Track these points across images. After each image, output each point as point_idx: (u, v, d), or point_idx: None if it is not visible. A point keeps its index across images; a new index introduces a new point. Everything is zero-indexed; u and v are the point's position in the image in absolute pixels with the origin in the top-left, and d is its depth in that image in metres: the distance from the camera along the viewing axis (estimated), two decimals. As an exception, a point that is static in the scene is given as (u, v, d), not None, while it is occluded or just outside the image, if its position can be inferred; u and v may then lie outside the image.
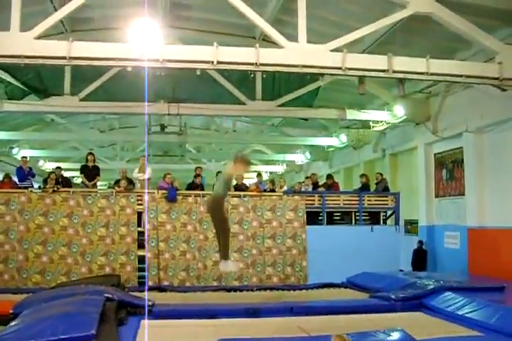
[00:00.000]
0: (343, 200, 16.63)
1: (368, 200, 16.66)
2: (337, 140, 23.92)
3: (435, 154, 18.68)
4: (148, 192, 14.94)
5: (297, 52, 11.41)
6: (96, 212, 14.63)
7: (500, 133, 15.02)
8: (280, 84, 17.55)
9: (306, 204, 15.95)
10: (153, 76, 13.52)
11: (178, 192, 15.34)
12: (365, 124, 20.93)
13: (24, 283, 13.84)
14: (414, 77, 12.45)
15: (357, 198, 16.57)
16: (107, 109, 17.53)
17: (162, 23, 13.78)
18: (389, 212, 17.13)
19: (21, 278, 13.93)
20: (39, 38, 10.76)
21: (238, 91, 16.99)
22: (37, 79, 16.42)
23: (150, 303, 9.69)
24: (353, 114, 18.78)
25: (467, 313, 9.34)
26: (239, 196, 15.59)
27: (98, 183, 17.11)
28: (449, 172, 17.78)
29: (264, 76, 16.02)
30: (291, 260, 15.39)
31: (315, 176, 19.03)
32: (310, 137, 26.10)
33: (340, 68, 11.63)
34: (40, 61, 10.97)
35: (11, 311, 8.85)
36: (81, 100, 16.59)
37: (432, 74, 12.11)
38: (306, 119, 20.46)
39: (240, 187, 16.52)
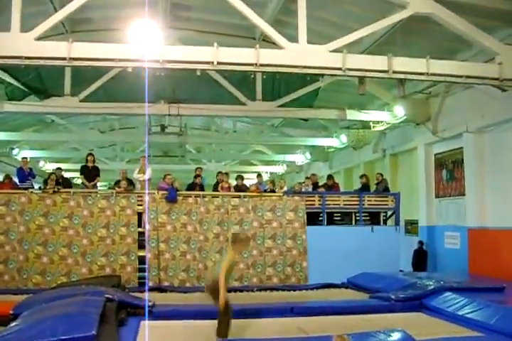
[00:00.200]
0: (343, 201, 16.60)
1: (368, 201, 16.64)
2: (337, 140, 23.96)
3: (435, 154, 18.69)
4: (148, 193, 14.94)
5: (297, 53, 11.43)
6: (96, 212, 14.62)
7: (500, 134, 15.02)
8: (280, 84, 17.58)
9: (307, 204, 15.93)
10: (153, 77, 13.51)
11: (178, 192, 15.33)
12: (365, 125, 20.96)
13: (24, 284, 13.83)
14: (415, 78, 12.47)
15: (357, 198, 16.54)
16: (107, 109, 17.55)
17: (162, 24, 13.79)
18: (389, 213, 17.12)
19: (22, 278, 13.92)
20: (39, 38, 10.79)
21: (238, 91, 17.02)
22: (37, 80, 16.45)
23: (150, 304, 9.71)
24: (353, 115, 18.79)
25: (467, 313, 9.37)
26: (239, 196, 15.58)
27: (98, 184, 17.08)
28: (449, 172, 17.78)
29: (264, 76, 16.03)
30: (292, 260, 15.37)
31: (315, 177, 19.01)
32: (310, 137, 26.12)
33: (340, 69, 11.65)
34: (41, 62, 10.99)
35: (11, 312, 8.86)
36: (81, 101, 16.62)
37: (432, 74, 12.13)
38: (306, 120, 20.48)
39: (241, 188, 16.53)
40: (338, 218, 17.06)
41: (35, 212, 14.31)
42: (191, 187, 16.21)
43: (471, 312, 9.36)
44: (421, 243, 18.20)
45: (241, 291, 13.28)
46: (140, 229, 14.70)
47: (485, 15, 13.05)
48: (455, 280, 11.90)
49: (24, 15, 10.77)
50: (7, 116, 21.28)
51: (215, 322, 8.43)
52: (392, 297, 10.80)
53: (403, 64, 12.00)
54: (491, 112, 14.89)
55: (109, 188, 18.36)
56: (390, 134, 21.89)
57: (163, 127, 23.14)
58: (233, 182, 17.38)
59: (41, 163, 29.21)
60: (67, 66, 13.01)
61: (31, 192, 14.75)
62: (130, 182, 15.54)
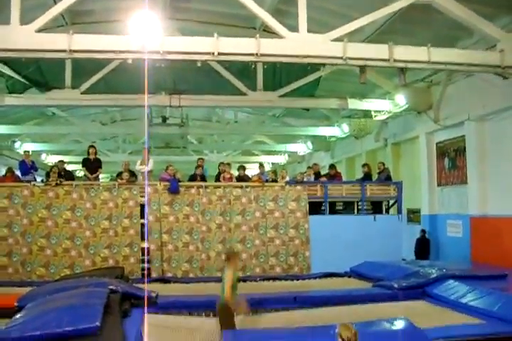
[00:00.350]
0: (346, 190, 16.60)
1: (371, 190, 16.65)
2: (339, 130, 23.91)
3: (437, 143, 18.66)
4: (150, 184, 14.95)
5: (298, 42, 11.39)
6: (99, 204, 14.65)
7: (502, 122, 14.99)
8: (281, 74, 17.54)
9: (309, 194, 15.94)
10: (153, 68, 13.49)
11: (180, 183, 15.35)
12: (366, 114, 20.91)
13: (28, 277, 13.89)
14: (416, 66, 12.45)
15: (359, 188, 16.56)
16: (108, 101, 17.51)
17: (162, 15, 13.74)
18: (391, 202, 17.12)
19: (25, 271, 13.98)
20: (39, 31, 10.76)
21: (239, 82, 16.98)
22: (38, 73, 16.43)
23: (154, 295, 9.74)
24: (354, 104, 18.75)
25: (470, 301, 9.41)
26: (241, 187, 15.60)
27: (100, 176, 17.09)
28: (451, 160, 17.77)
29: (265, 66, 16.01)
30: (294, 250, 15.41)
31: (317, 166, 18.99)
32: (312, 127, 26.05)
33: (341, 58, 11.61)
34: (41, 54, 10.99)
35: (15, 304, 8.90)
36: (82, 93, 16.60)
37: (433, 62, 12.09)
38: (307, 109, 20.46)
39: (243, 178, 16.54)
40: (341, 207, 17.08)
41: (38, 205, 14.34)
42: (193, 178, 16.21)
43: (474, 299, 9.40)
44: (423, 231, 18.20)
45: (244, 281, 13.25)
46: (143, 221, 14.73)
47: (486, 2, 12.98)
48: (457, 268, 11.95)
49: (24, 7, 10.73)
50: (8, 109, 21.29)
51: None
52: (395, 285, 10.84)
53: (404, 52, 11.96)
54: (493, 100, 14.86)
55: (112, 180, 18.36)
56: (392, 123, 21.84)
57: (164, 118, 23.11)
58: (235, 173, 17.39)
59: (43, 156, 29.21)
60: (68, 58, 12.97)
61: (34, 185, 14.77)
62: (132, 174, 15.56)
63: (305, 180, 17.03)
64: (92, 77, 16.34)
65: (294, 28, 11.43)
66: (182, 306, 9.58)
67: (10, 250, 14.01)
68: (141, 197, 14.87)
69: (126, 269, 13.71)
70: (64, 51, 10.75)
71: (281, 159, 33.94)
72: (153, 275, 14.29)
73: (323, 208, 16.32)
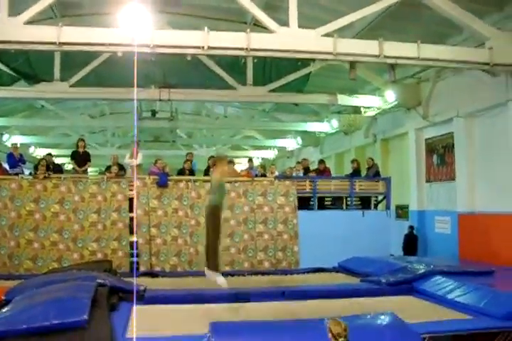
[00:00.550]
0: (334, 185, 16.65)
1: (359, 185, 16.70)
2: (328, 125, 23.96)
3: (426, 139, 18.72)
4: (139, 178, 14.92)
5: (288, 37, 11.39)
6: (87, 198, 14.61)
7: (490, 119, 15.05)
8: (271, 69, 17.49)
9: (298, 189, 15.96)
10: (143, 61, 13.45)
11: (169, 177, 15.33)
12: (356, 110, 20.94)
13: (16, 270, 13.84)
14: (405, 62, 12.49)
15: (348, 183, 16.59)
16: (98, 94, 17.41)
17: (152, 8, 13.68)
18: (380, 197, 17.18)
19: (13, 264, 13.93)
20: (28, 23, 10.69)
21: (229, 76, 16.93)
22: (26, 65, 16.29)
23: (142, 288, 9.73)
24: (344, 100, 18.74)
25: (457, 297, 9.44)
26: (230, 181, 15.58)
27: (89, 169, 17.05)
28: (440, 157, 17.83)
29: (255, 61, 15.99)
30: (283, 245, 15.44)
31: (306, 161, 19.02)
32: (301, 122, 26.03)
33: (331, 53, 11.62)
34: (30, 46, 10.94)
35: (3, 297, 8.89)
36: (71, 86, 16.48)
37: (422, 59, 12.14)
38: (297, 105, 20.46)
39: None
40: (329, 203, 17.12)
41: (26, 198, 14.29)
42: (182, 172, 16.19)
43: (461, 295, 9.44)
44: (411, 227, 18.27)
45: (232, 275, 13.28)
46: (131, 214, 14.71)
47: (476, 0, 13.03)
48: (445, 264, 12.00)
49: (12, -1, 10.69)
50: (-4, 101, 21.16)
51: (207, 306, 8.48)
52: (383, 281, 10.88)
53: (394, 48, 11.99)
54: (482, 97, 14.91)
55: (100, 174, 18.33)
56: (381, 119, 21.88)
57: (153, 112, 23.08)
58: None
59: (31, 149, 28.98)
60: (57, 51, 12.91)
61: (22, 177, 14.71)
62: (121, 168, 15.52)
63: (294, 175, 17.04)
64: (82, 70, 16.24)
65: (284, 23, 11.43)
66: (170, 300, 9.56)
67: (-3, 243, 13.98)
68: (130, 190, 14.84)
69: (114, 263, 13.72)
70: (53, 43, 10.69)
71: (271, 154, 33.91)
72: (142, 269, 14.27)
73: (311, 203, 16.35)
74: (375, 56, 11.90)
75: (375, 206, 17.13)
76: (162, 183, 15.01)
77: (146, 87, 16.78)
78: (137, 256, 14.43)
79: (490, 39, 12.38)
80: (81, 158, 15.95)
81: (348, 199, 16.65)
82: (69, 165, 21.57)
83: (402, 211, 20.34)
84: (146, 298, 9.41)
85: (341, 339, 5.22)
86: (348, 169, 19.29)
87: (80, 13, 16.39)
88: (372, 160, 18.05)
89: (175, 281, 12.48)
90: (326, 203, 17.02)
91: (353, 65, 12.75)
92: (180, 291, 10.43)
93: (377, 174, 17.44)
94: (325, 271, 13.77)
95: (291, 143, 30.29)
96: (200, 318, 8.00)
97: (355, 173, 17.52)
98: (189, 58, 11.84)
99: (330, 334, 5.28)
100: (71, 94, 17.00)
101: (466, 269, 11.49)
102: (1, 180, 14.45)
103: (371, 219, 16.08)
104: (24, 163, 16.59)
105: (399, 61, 12.27)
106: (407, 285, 10.69)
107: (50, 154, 17.38)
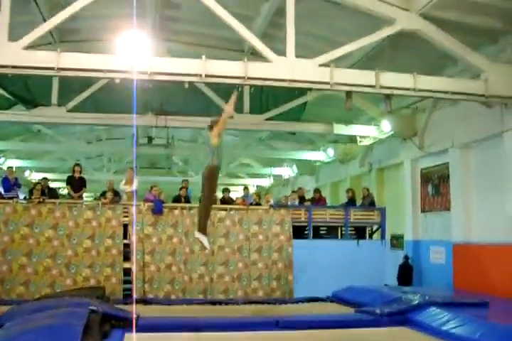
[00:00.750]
0: (330, 214, 16.62)
1: (354, 215, 16.66)
2: (324, 154, 24.06)
3: (421, 169, 18.75)
4: (134, 204, 14.88)
5: (285, 67, 11.49)
6: (82, 223, 14.53)
7: (486, 150, 15.11)
8: (268, 97, 17.60)
9: (293, 218, 15.94)
10: (141, 88, 13.51)
11: (164, 204, 15.30)
12: (352, 139, 21.05)
13: (7, 295, 13.67)
14: (402, 93, 12.57)
15: (343, 212, 16.57)
16: (95, 120, 17.48)
17: (151, 35, 13.82)
18: (375, 227, 17.15)
19: (5, 289, 13.76)
20: (27, 48, 10.77)
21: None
22: (24, 89, 16.36)
23: (135, 316, 9.63)
24: (340, 129, 18.86)
25: (452, 328, 9.37)
26: (225, 209, 15.57)
27: (84, 194, 17.01)
28: (435, 187, 17.85)
29: (252, 90, 16.09)
30: (277, 273, 15.35)
31: (302, 190, 19.04)
32: (297, 151, 26.15)
33: (328, 83, 11.72)
34: (28, 71, 10.98)
35: (-7, 323, 8.76)
36: (68, 111, 16.54)
37: (419, 90, 12.25)
38: (293, 133, 20.56)
39: (227, 201, 16.53)
40: (325, 232, 17.08)
41: (20, 222, 14.19)
42: (177, 199, 16.18)
43: (456, 327, 9.37)
44: (406, 257, 18.20)
45: (226, 304, 13.26)
46: (125, 241, 14.64)
47: (471, 32, 13.18)
48: (440, 295, 11.95)
49: (13, 24, 10.78)
50: (-7, 125, 21.18)
51: (201, 335, 8.39)
52: (377, 311, 10.79)
53: (390, 79, 12.11)
54: (477, 128, 14.98)
55: (95, 199, 18.28)
56: (377, 149, 21.96)
57: (150, 139, 23.16)
58: (219, 195, 17.37)
59: (27, 173, 29.00)
60: (55, 76, 12.98)
61: (16, 202, 14.65)
62: (116, 194, 15.49)
63: (289, 203, 17.05)
64: (79, 95, 16.31)
65: (281, 52, 11.54)
66: (163, 328, 9.47)
67: (-11, 268, 13.85)
68: (125, 217, 14.79)
69: (107, 289, 13.63)
70: (52, 69, 10.77)
71: (266, 182, 33.94)
72: (135, 295, 14.15)
73: (306, 232, 16.30)
74: (372, 86, 12.01)
75: (370, 235, 17.10)
76: (157, 210, 14.97)
77: (143, 114, 16.84)
78: (130, 283, 14.32)
79: (485, 71, 12.51)
80: (77, 184, 15.91)
81: (343, 228, 16.61)
82: (64, 190, 21.51)
83: (397, 241, 20.28)
84: (138, 326, 9.29)
85: None
86: (344, 198, 19.30)
87: (78, 39, 16.52)
88: (368, 189, 18.09)
89: (168, 309, 12.40)
90: (321, 232, 16.99)
91: (349, 94, 12.82)
92: (173, 319, 10.34)
93: (372, 203, 17.46)
94: (319, 300, 13.69)
95: (287, 172, 30.36)
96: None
97: (351, 202, 17.54)
98: (187, 86, 11.91)
99: None
100: (68, 119, 17.05)
101: (461, 300, 11.43)
102: (-4, 204, 14.38)
103: (366, 249, 16.04)
104: (19, 186, 16.56)
105: (395, 92, 12.37)
106: (402, 316, 10.61)
107: (45, 178, 17.34)
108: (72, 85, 16.09)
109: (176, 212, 15.19)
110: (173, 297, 14.52)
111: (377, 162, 22.23)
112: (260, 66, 11.57)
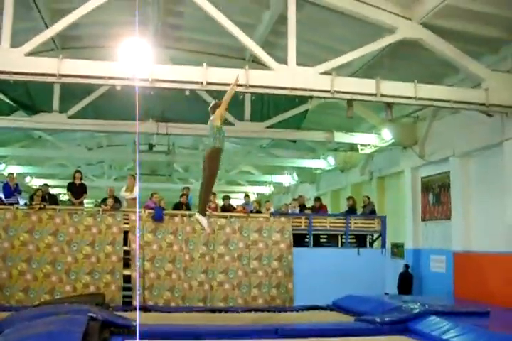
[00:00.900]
0: (330, 223, 16.59)
1: (355, 223, 16.62)
2: (325, 162, 24.06)
3: (422, 178, 18.77)
4: (134, 212, 14.84)
5: (286, 75, 11.54)
6: (82, 230, 14.49)
7: (486, 158, 15.12)
8: (269, 105, 17.64)
9: (293, 226, 15.89)
10: (142, 95, 13.54)
11: (164, 211, 15.29)
12: (352, 147, 21.08)
13: (7, 301, 13.60)
14: (402, 102, 12.60)
15: (344, 221, 16.54)
16: (96, 126, 17.51)
17: (153, 43, 13.86)
18: (375, 235, 17.12)
19: (4, 295, 13.70)
20: (29, 54, 10.81)
21: (227, 112, 17.01)
22: (25, 96, 16.40)
23: (134, 323, 9.60)
24: (340, 137, 18.88)
25: (452, 338, 9.33)
26: (226, 217, 15.55)
27: (85, 201, 17.00)
28: (436, 196, 17.85)
29: (253, 97, 16.12)
30: (277, 282, 15.30)
31: (302, 198, 19.05)
32: (298, 159, 26.19)
33: (328, 91, 11.77)
34: (30, 78, 11.03)
35: (-8, 330, 8.74)
36: (69, 117, 16.58)
37: (419, 98, 12.28)
38: (294, 141, 20.56)
39: (227, 208, 16.52)
40: (325, 240, 17.05)
41: (20, 228, 14.15)
42: (177, 206, 16.17)
43: (456, 336, 9.33)
44: (406, 266, 18.19)
45: (226, 312, 13.21)
46: (125, 248, 14.61)
47: (472, 41, 13.23)
48: (440, 304, 11.90)
49: (15, 31, 10.83)
50: (-6, 130, 21.21)
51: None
52: (378, 320, 10.75)
53: (391, 87, 12.15)
54: (477, 137, 15.00)
55: (96, 206, 18.26)
56: (378, 157, 21.97)
57: (151, 146, 23.15)
58: (220, 202, 17.34)
59: (27, 179, 29.01)
60: (57, 82, 13.01)
61: (17, 208, 14.63)
62: (117, 200, 15.47)
63: (290, 211, 17.03)
64: (80, 101, 16.35)
65: (283, 60, 11.58)
66: (162, 336, 9.43)
67: (-11, 274, 13.82)
68: (125, 223, 14.77)
69: (107, 296, 13.56)
70: (53, 75, 10.82)
71: (267, 190, 33.91)
72: (134, 303, 14.11)
73: (307, 240, 16.27)
74: (373, 95, 12.05)
75: (371, 244, 17.07)
76: (158, 217, 14.94)
77: (144, 121, 16.86)
78: (130, 290, 14.29)
79: (485, 80, 12.54)
80: (77, 190, 15.88)
81: (344, 236, 16.58)
82: (65, 196, 21.51)
83: (397, 249, 20.28)
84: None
85: None
86: (344, 206, 19.29)
87: (80, 46, 16.58)
88: (369, 198, 18.06)
89: (168, 316, 12.35)
90: (322, 240, 16.95)
91: (350, 103, 12.84)
92: (173, 327, 10.30)
93: (372, 212, 17.44)
94: (319, 308, 13.64)
95: (288, 179, 30.36)
96: None
97: (351, 211, 17.52)
98: (187, 93, 11.94)
99: None
100: (69, 126, 17.11)
101: (461, 309, 11.39)
102: (-4, 210, 14.37)
103: (366, 257, 15.99)
104: (20, 192, 16.54)
105: (396, 100, 12.40)
106: (402, 325, 10.57)
107: (46, 184, 17.35)
108: (73, 92, 16.14)
109: (177, 219, 15.16)
110: (172, 304, 14.47)
111: (377, 170, 22.25)
112: (261, 74, 11.62)
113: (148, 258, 14.67)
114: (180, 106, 17.02)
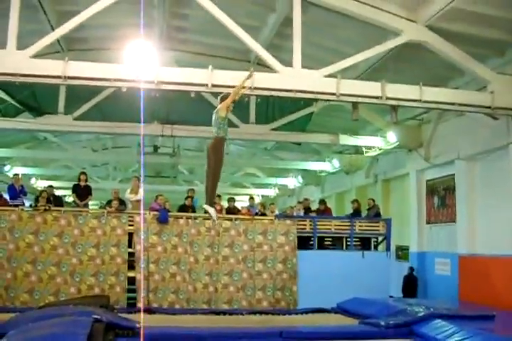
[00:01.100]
0: (335, 225, 16.57)
1: (360, 226, 16.61)
2: (329, 165, 24.03)
3: (427, 181, 18.74)
4: (139, 213, 14.85)
5: (292, 77, 11.53)
6: (87, 231, 14.51)
7: (491, 161, 15.09)
8: (274, 108, 17.65)
9: (298, 228, 15.88)
10: (147, 97, 13.55)
11: (169, 213, 15.29)
12: (357, 150, 21.06)
13: (11, 302, 13.65)
14: (407, 104, 12.57)
15: (348, 224, 16.52)
16: (101, 128, 17.56)
17: (158, 45, 13.88)
18: (380, 238, 17.09)
19: (9, 296, 13.73)
20: (35, 56, 10.83)
21: (232, 114, 17.03)
22: (31, 98, 16.47)
23: (138, 325, 9.61)
24: (345, 140, 18.87)
25: (457, 341, 9.31)
26: (230, 219, 15.54)
27: (89, 203, 17.02)
28: (441, 199, 17.82)
29: (258, 100, 16.12)
30: (282, 284, 15.29)
31: (307, 201, 19.05)
32: (302, 161, 26.20)
33: (334, 94, 11.75)
34: (36, 79, 11.05)
35: (-4, 331, 8.75)
36: (75, 119, 16.63)
37: (424, 101, 12.25)
38: (299, 144, 20.57)
39: (232, 211, 16.51)
40: (329, 243, 17.02)
41: (25, 230, 14.18)
42: (182, 208, 16.17)
43: (461, 340, 9.30)
44: (411, 269, 18.15)
45: (230, 314, 13.21)
46: (130, 250, 14.62)
47: (478, 44, 13.21)
48: (445, 308, 11.87)
49: (21, 33, 10.84)
50: (-1, 132, 21.28)
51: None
52: (382, 323, 10.73)
53: (396, 90, 12.12)
54: (483, 140, 14.98)
55: (101, 207, 18.28)
56: (383, 160, 21.96)
57: (155, 147, 23.18)
58: (225, 205, 17.33)
59: (33, 180, 29.03)
60: (63, 84, 13.00)
61: (22, 209, 14.65)
62: (122, 202, 15.48)
63: (295, 214, 17.02)
64: (86, 103, 16.39)
65: (288, 63, 11.58)
66: (167, 338, 9.44)
67: (-6, 275, 13.85)
68: (130, 225, 14.78)
69: (111, 298, 13.56)
70: (59, 77, 10.83)
71: (272, 192, 33.90)
72: (139, 305, 14.11)
73: (311, 243, 16.25)
74: (378, 97, 12.02)
75: (375, 247, 17.03)
76: (162, 219, 14.95)
77: (149, 123, 16.88)
78: (135, 291, 14.30)
79: (491, 83, 12.51)
80: (82, 192, 15.92)
81: (348, 239, 16.55)
82: (70, 198, 21.53)
83: (402, 252, 20.25)
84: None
85: None
86: (349, 209, 19.27)
87: (86, 48, 16.57)
88: (373, 200, 18.03)
89: (172, 318, 12.36)
90: (326, 243, 16.92)
91: (355, 105, 12.83)
92: (177, 329, 10.30)
93: (377, 215, 17.40)
94: (323, 311, 13.63)
95: (293, 182, 30.34)
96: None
97: (356, 213, 17.48)
98: (193, 95, 11.94)
99: None
100: (74, 127, 17.14)
101: (466, 313, 11.36)
102: (1, 211, 14.35)
103: (371, 260, 15.96)
104: (25, 194, 16.57)
105: (401, 103, 12.38)
106: (407, 328, 10.55)
107: (51, 186, 17.34)
108: (78, 94, 16.18)
109: (181, 221, 15.17)
110: (177, 306, 14.47)
111: (382, 173, 22.23)
112: (267, 76, 11.61)
113: (152, 260, 14.68)
114: (186, 108, 17.03)
